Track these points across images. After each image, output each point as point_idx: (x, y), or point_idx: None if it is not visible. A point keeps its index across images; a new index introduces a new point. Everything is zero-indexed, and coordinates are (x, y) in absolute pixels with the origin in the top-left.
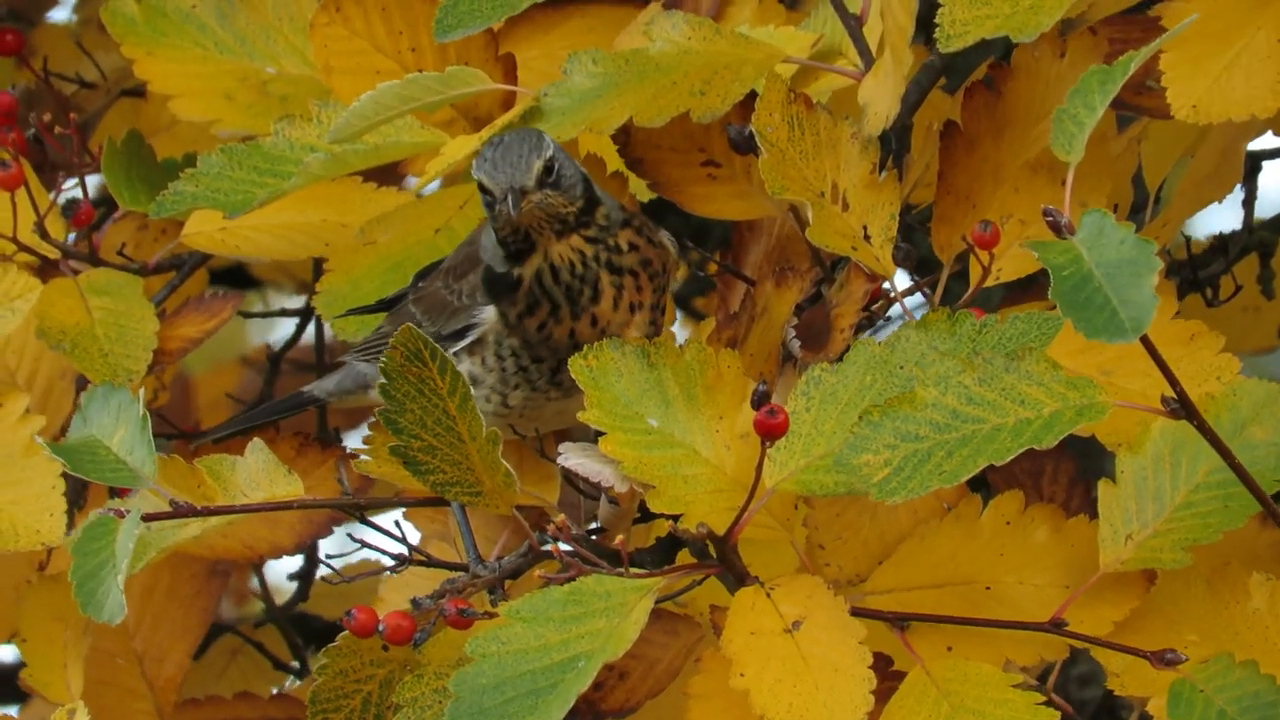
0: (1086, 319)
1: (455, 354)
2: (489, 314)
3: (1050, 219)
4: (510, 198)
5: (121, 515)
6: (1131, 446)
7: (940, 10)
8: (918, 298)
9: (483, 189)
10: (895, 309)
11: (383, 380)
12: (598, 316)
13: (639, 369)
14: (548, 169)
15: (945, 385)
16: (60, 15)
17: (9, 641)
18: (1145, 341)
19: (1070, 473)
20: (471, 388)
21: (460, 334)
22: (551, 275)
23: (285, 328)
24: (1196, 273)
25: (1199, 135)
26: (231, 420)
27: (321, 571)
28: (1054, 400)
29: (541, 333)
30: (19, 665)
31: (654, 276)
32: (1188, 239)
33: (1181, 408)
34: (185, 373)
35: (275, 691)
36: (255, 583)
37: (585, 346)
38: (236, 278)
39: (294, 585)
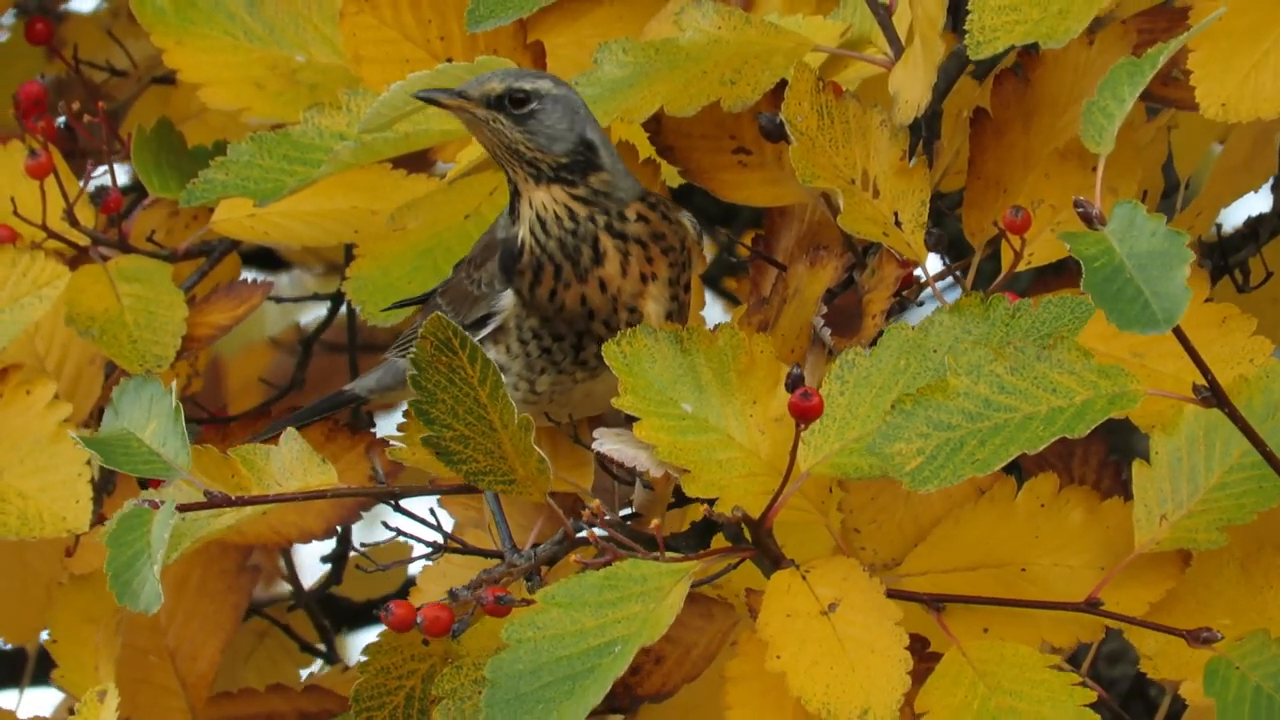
0: (1119, 310)
1: (481, 344)
2: (507, 298)
3: (1081, 210)
4: (444, 95)
5: (156, 506)
6: (1165, 428)
7: (969, 16)
8: (949, 282)
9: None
10: (927, 293)
11: (413, 371)
12: (605, 281)
13: (672, 354)
14: (513, 99)
15: (977, 374)
16: (88, 5)
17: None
18: (1177, 331)
19: (1100, 454)
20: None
21: (482, 322)
22: (541, 227)
23: (316, 309)
24: (1227, 258)
25: (1230, 123)
26: (275, 422)
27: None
28: (1086, 389)
29: (554, 302)
30: (17, 653)
31: (668, 251)
32: (1218, 225)
33: (1213, 395)
34: (216, 355)
35: (305, 675)
36: (283, 564)
37: (599, 318)
38: (266, 259)
39: (322, 567)
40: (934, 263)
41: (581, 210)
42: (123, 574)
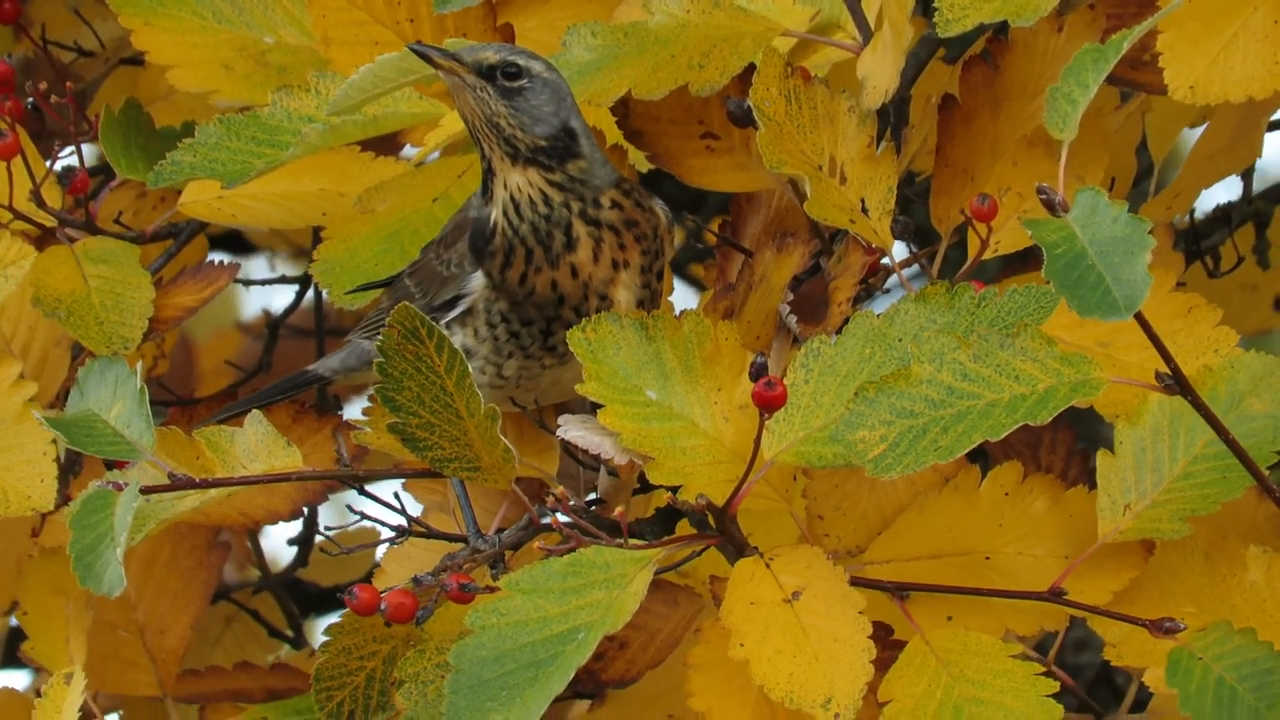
0: (1080, 297)
1: (448, 326)
2: (476, 279)
3: (1044, 197)
4: (439, 54)
5: (120, 488)
6: (1130, 418)
7: None
8: (916, 269)
9: None
10: (893, 281)
11: (380, 359)
12: (577, 267)
13: (637, 341)
14: (506, 73)
15: (940, 361)
16: None
17: (9, 613)
18: (1140, 319)
19: (1068, 443)
20: (466, 359)
21: (451, 304)
22: (514, 209)
23: (286, 294)
24: (1199, 243)
25: (1207, 107)
26: (237, 403)
27: (320, 540)
28: (1049, 376)
29: (524, 286)
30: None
31: (640, 238)
32: (1191, 211)
33: (1176, 383)
34: (186, 338)
35: (273, 660)
36: (250, 549)
37: (569, 304)
38: (234, 243)
39: (291, 550)
40: (901, 250)
41: (556, 196)
42: (86, 556)
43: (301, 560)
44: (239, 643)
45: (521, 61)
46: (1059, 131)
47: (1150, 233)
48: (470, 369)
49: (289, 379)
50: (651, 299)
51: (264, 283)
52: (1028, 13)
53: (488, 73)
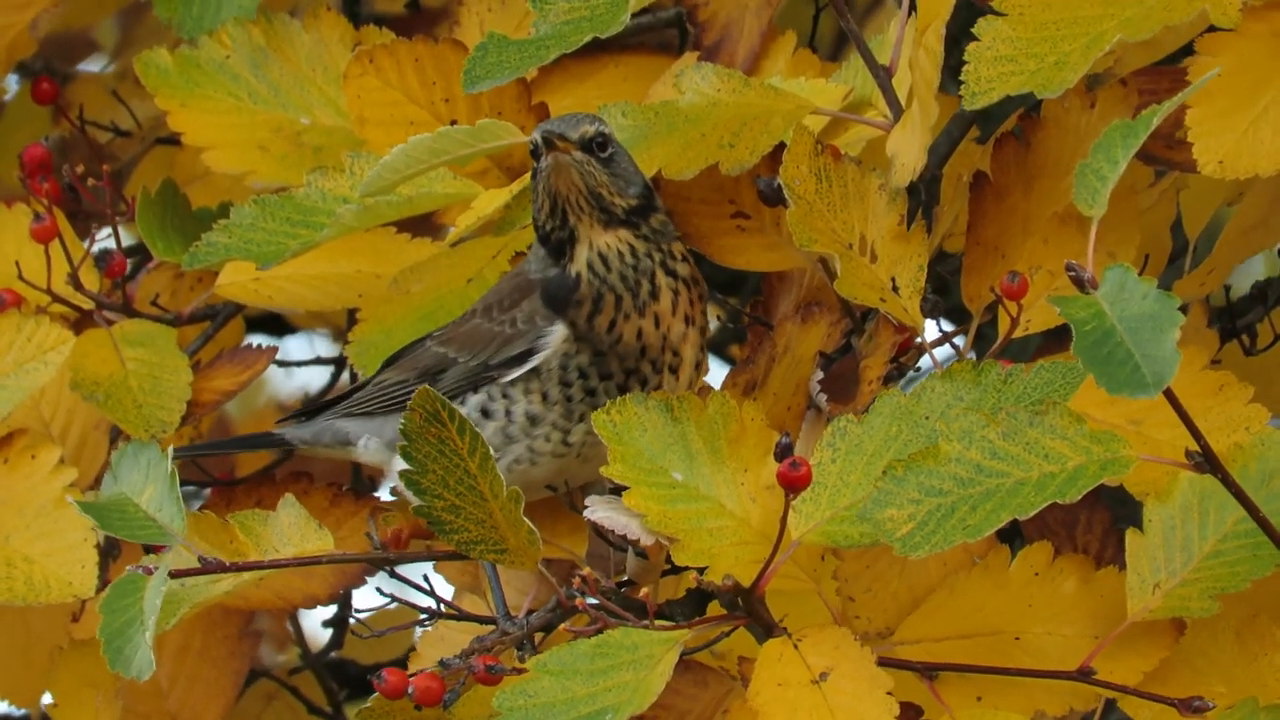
0: (1109, 374)
1: (506, 394)
2: (557, 331)
3: (1073, 274)
4: (545, 141)
5: (149, 572)
6: (1159, 496)
7: (965, 67)
8: (950, 349)
9: (533, 153)
10: (926, 360)
11: (403, 442)
12: (659, 317)
13: (662, 423)
14: (599, 143)
15: (969, 439)
16: (94, 67)
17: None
18: (1170, 396)
19: (1104, 522)
20: (530, 428)
21: (520, 359)
22: (602, 263)
23: (323, 375)
24: (1235, 320)
25: (1242, 183)
26: (197, 446)
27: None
28: (1078, 454)
29: (612, 334)
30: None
31: (701, 298)
32: (1227, 287)
33: (1205, 461)
34: (225, 419)
35: None
36: (290, 628)
37: (649, 356)
38: (272, 324)
39: (329, 632)
40: (935, 328)
41: (641, 247)
42: (115, 640)
43: (336, 642)
44: None
45: (608, 130)
46: (1088, 208)
47: (1183, 310)
48: (534, 435)
49: (254, 435)
50: (703, 360)
51: (300, 364)
52: (1054, 85)
53: (588, 146)
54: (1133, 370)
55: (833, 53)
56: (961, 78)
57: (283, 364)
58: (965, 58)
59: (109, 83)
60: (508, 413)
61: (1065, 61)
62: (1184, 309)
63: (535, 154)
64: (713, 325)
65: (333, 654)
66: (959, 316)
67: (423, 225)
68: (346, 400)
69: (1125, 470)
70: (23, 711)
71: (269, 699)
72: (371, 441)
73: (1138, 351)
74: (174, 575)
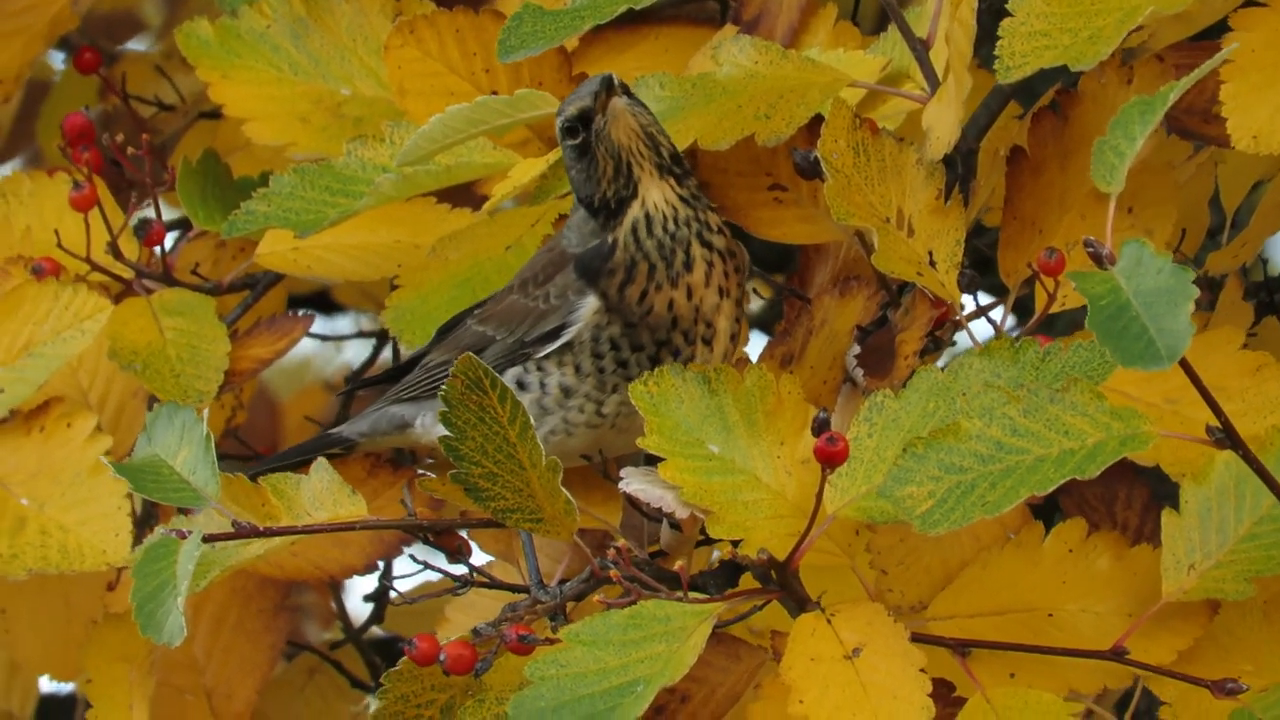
0: (1123, 348)
1: (541, 366)
2: (588, 303)
3: (1091, 250)
4: (597, 96)
5: (183, 536)
6: (1196, 477)
7: (999, 42)
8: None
9: (569, 132)
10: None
11: (444, 408)
12: (692, 288)
13: (700, 395)
14: (624, 89)
15: (990, 416)
16: (140, 46)
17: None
18: (1189, 371)
19: (1144, 498)
20: (564, 399)
21: (553, 334)
22: (646, 226)
23: (368, 351)
24: (1273, 295)
25: (1279, 157)
26: (262, 462)
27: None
28: (1098, 430)
29: (643, 305)
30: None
31: (738, 270)
32: (1264, 260)
33: (1227, 438)
34: (271, 397)
35: (355, 711)
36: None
37: (680, 328)
38: (320, 303)
39: (369, 606)
40: (972, 302)
41: (684, 211)
42: (147, 605)
43: (377, 616)
44: (322, 694)
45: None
46: (1106, 185)
47: (1220, 282)
48: (568, 407)
49: (312, 440)
50: (738, 333)
51: (342, 338)
52: (1087, 58)
53: (626, 90)
54: (1147, 344)
55: (876, 26)
56: (995, 52)
57: (325, 338)
58: (1000, 32)
59: (154, 61)
60: (542, 385)
61: (1099, 35)
62: (1220, 282)
63: (581, 124)
64: (758, 303)
65: (376, 628)
66: (999, 290)
67: (463, 195)
68: (396, 386)
69: (1144, 446)
70: (69, 687)
71: (311, 673)
72: (428, 418)
73: (1152, 325)
74: (206, 539)
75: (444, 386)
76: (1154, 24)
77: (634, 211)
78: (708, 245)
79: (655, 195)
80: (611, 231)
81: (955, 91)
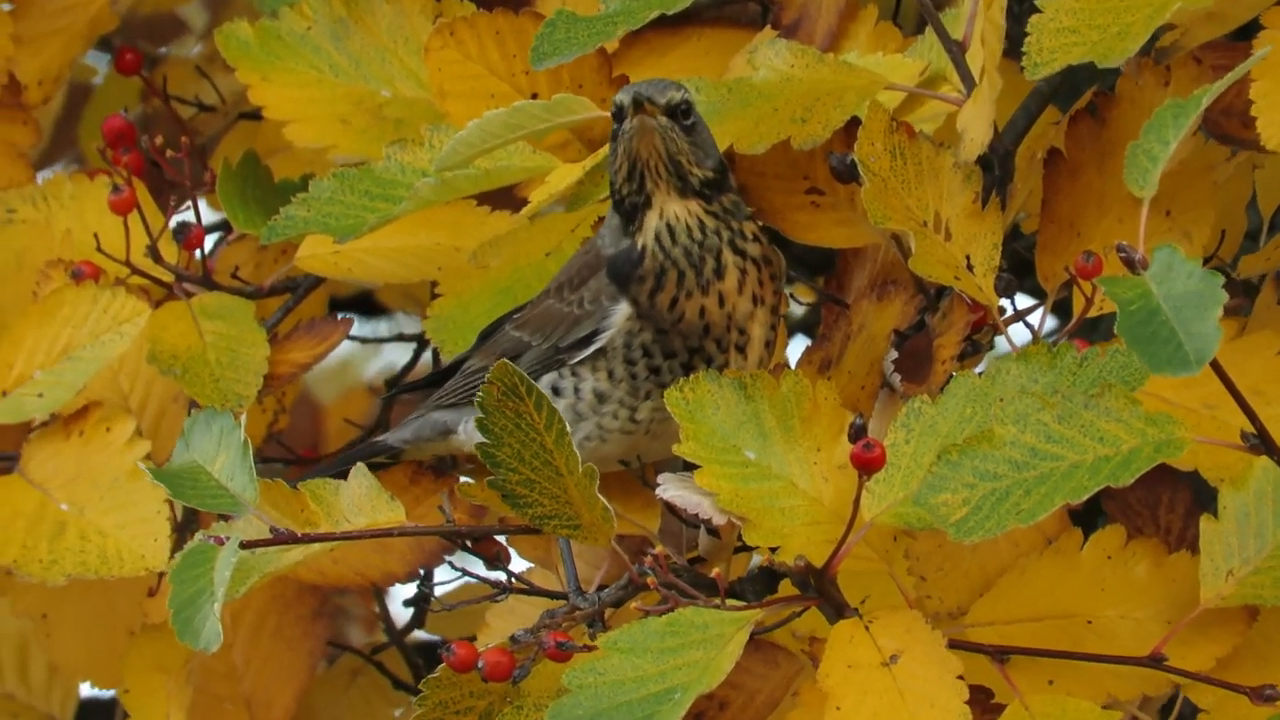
0: (1151, 352)
1: (575, 372)
2: (620, 310)
3: (1124, 254)
4: (634, 103)
5: (221, 542)
6: (1234, 482)
7: (1027, 38)
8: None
9: (615, 115)
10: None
11: (480, 414)
12: (724, 296)
13: (735, 401)
14: (683, 110)
15: (1024, 423)
16: (183, 50)
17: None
18: (1222, 375)
19: (1186, 502)
20: (598, 405)
21: (586, 340)
22: (669, 235)
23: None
24: None
25: None
26: (308, 472)
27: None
28: (1133, 436)
29: (673, 312)
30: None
31: (774, 277)
32: None
33: (1260, 442)
34: (314, 400)
35: (398, 714)
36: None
37: (713, 335)
38: (364, 305)
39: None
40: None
41: (710, 223)
42: (184, 611)
43: (418, 621)
44: (364, 696)
45: (691, 98)
46: (1139, 189)
47: (1257, 285)
48: (602, 413)
49: (357, 449)
50: (774, 340)
51: (381, 341)
52: (1115, 55)
53: (673, 111)
54: (1176, 348)
55: (918, 27)
56: (1024, 49)
57: (365, 341)
58: (1028, 28)
59: (195, 63)
60: (576, 390)
61: (1127, 31)
62: (1258, 286)
63: (619, 115)
64: (801, 309)
65: (418, 631)
66: (1039, 294)
67: (504, 198)
68: (438, 392)
69: (1179, 452)
70: (110, 693)
71: (354, 675)
72: (470, 425)
73: (1181, 330)
74: (244, 546)
75: (479, 393)
76: (1186, 22)
77: (653, 220)
78: (740, 253)
79: (675, 208)
80: (635, 236)
81: (988, 92)
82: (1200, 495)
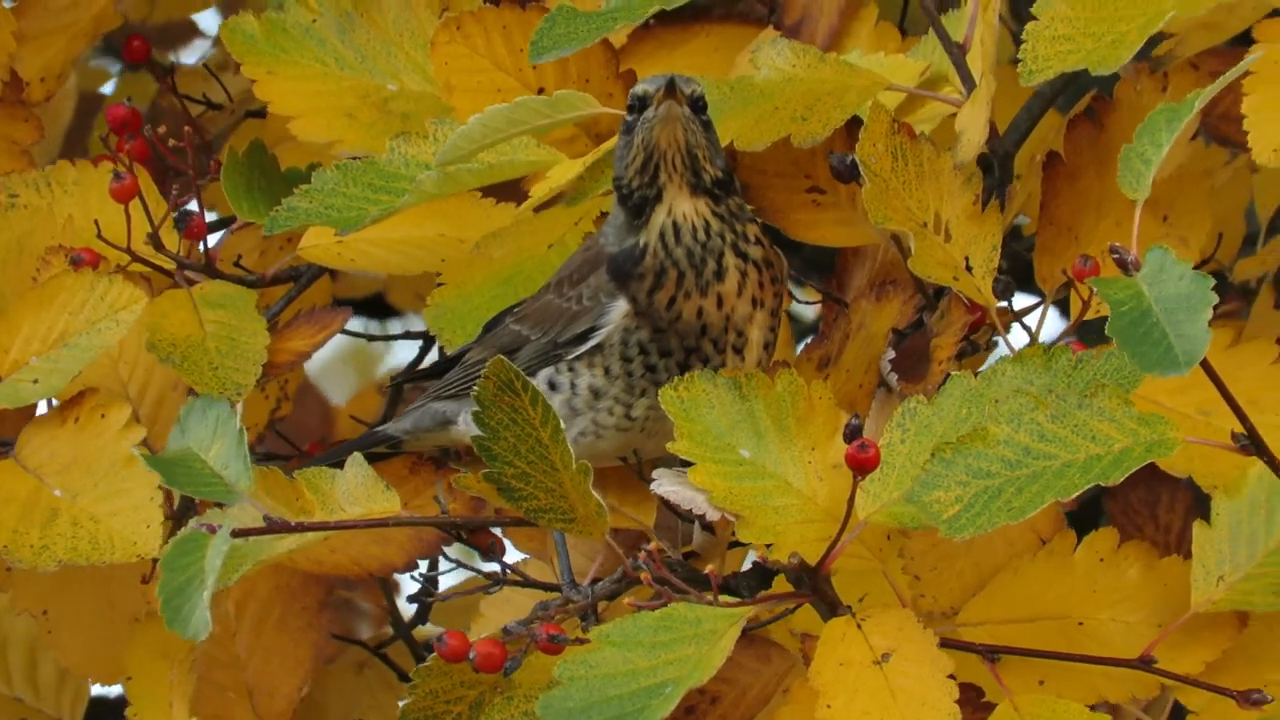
0: (1142, 353)
1: (572, 368)
2: (618, 306)
3: (1117, 256)
4: (667, 87)
5: (213, 530)
6: (1227, 490)
7: (1023, 45)
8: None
9: (629, 108)
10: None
11: (476, 409)
12: (723, 298)
13: (730, 400)
14: (701, 105)
15: (1018, 422)
16: (192, 58)
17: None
18: (1214, 377)
19: (1186, 502)
20: (593, 401)
21: (584, 336)
22: (674, 234)
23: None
24: None
25: None
26: (308, 460)
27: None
28: (1125, 436)
29: (671, 311)
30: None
31: (775, 280)
32: None
33: (1252, 444)
34: (323, 398)
35: (401, 704)
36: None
37: (710, 335)
38: (375, 306)
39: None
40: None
41: (715, 225)
42: (174, 599)
43: (422, 616)
44: (370, 688)
45: (704, 96)
46: (1132, 191)
47: (1255, 288)
48: (597, 409)
49: (357, 439)
50: (772, 344)
51: (388, 338)
52: (1109, 62)
53: (695, 104)
54: (1166, 349)
55: (923, 29)
56: (1019, 55)
57: (372, 338)
58: (1023, 36)
59: (202, 56)
60: (572, 385)
61: (1122, 40)
62: (1255, 290)
63: (641, 105)
64: (812, 313)
65: (424, 625)
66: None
67: (509, 191)
68: (438, 383)
69: (1170, 452)
70: (118, 689)
71: (360, 667)
72: (469, 416)
73: (1171, 331)
74: (237, 534)
75: (476, 386)
76: (1181, 31)
77: (661, 217)
78: (742, 255)
79: (685, 206)
80: (640, 233)
81: (984, 94)
82: (1200, 496)
